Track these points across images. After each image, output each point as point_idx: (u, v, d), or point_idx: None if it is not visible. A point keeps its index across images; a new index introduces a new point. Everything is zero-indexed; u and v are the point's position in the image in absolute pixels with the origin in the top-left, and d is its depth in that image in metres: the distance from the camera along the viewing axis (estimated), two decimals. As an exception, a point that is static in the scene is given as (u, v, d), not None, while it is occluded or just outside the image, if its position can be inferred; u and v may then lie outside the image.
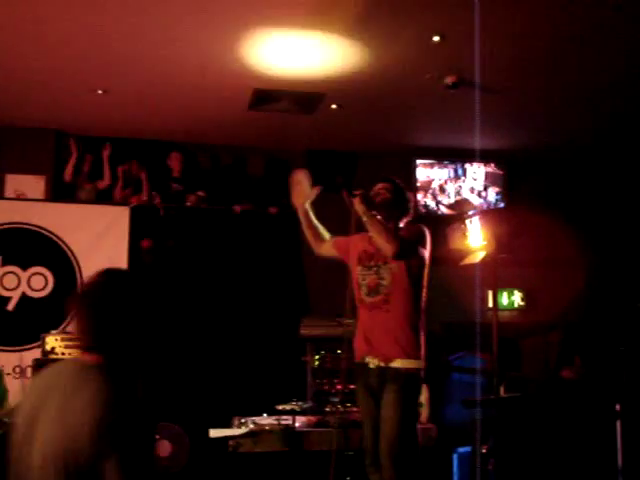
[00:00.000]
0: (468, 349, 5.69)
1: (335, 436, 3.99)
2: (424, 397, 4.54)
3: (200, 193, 6.71)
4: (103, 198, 6.69)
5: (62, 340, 4.78)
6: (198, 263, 6.40)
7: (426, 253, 3.69)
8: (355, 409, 4.35)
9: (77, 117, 6.48)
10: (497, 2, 4.53)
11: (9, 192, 6.43)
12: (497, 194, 7.55)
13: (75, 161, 6.70)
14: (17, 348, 5.94)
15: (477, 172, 7.54)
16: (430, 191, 7.45)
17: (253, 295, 6.31)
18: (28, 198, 6.42)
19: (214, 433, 4.37)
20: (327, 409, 4.73)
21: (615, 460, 4.24)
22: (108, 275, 1.97)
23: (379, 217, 3.60)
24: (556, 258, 7.00)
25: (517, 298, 7.46)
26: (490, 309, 5.47)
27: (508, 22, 4.81)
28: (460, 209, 7.15)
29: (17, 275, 6.10)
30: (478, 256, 5.14)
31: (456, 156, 7.43)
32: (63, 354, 4.73)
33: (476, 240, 5.23)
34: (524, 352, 6.69)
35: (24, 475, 1.79)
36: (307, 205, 3.85)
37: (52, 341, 4.76)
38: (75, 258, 6.22)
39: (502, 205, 7.51)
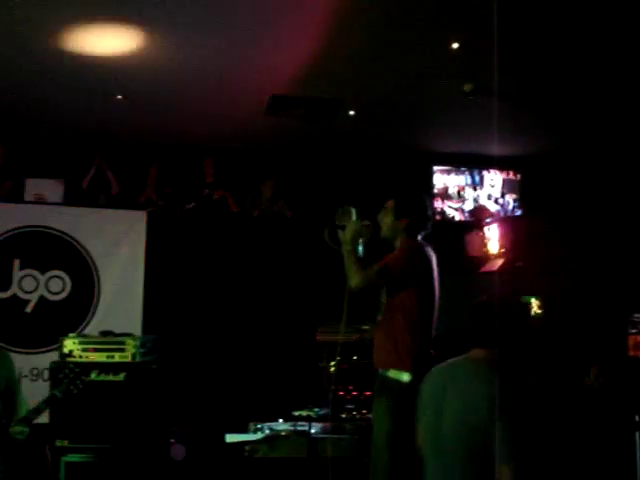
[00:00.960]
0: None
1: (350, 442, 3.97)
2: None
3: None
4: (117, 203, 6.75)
5: (80, 343, 4.79)
6: (214, 267, 6.42)
7: (414, 272, 3.57)
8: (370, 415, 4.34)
9: (98, 121, 6.52)
10: (515, 9, 4.51)
11: (29, 196, 6.48)
12: (514, 201, 7.52)
13: (94, 172, 6.77)
14: (35, 350, 5.99)
15: (494, 179, 7.52)
16: (446, 198, 7.43)
17: (270, 300, 6.32)
18: (47, 202, 6.48)
19: (230, 438, 4.38)
20: (343, 415, 4.73)
21: (634, 470, 4.21)
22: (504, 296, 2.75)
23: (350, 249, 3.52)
24: (574, 266, 6.95)
25: (534, 306, 7.41)
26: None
27: (526, 29, 4.80)
28: (478, 216, 7.13)
29: (36, 278, 6.16)
30: (496, 263, 5.12)
31: (473, 163, 7.41)
32: (81, 357, 4.75)
33: (494, 247, 5.21)
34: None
35: (437, 441, 2.44)
36: (359, 242, 3.61)
37: (70, 344, 4.78)
38: (93, 262, 6.26)
39: (519, 212, 7.48)
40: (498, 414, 2.30)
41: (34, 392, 4.65)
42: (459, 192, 7.46)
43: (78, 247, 6.25)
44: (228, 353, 5.97)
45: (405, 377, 3.41)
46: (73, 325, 5.97)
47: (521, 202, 7.50)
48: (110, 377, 4.65)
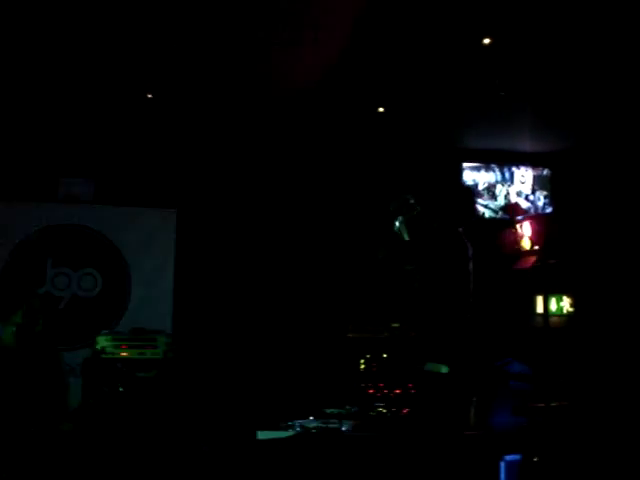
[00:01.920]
0: (515, 355, 5.61)
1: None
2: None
3: None
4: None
5: (113, 340, 4.85)
6: (245, 264, 6.45)
7: None
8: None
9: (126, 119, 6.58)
10: (545, 4, 4.46)
11: (62, 194, 6.55)
12: (545, 197, 7.43)
13: None
14: (67, 347, 6.06)
15: (525, 175, 7.44)
16: (477, 195, 7.37)
17: (302, 297, 6.33)
18: (80, 200, 6.55)
19: (262, 435, 4.39)
20: (372, 413, 4.71)
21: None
22: None
23: None
24: (607, 263, 6.85)
25: (566, 304, 7.32)
26: (539, 315, 5.38)
27: (557, 25, 4.74)
28: (509, 213, 7.06)
29: (68, 276, 6.23)
30: (529, 261, 5.08)
31: (503, 159, 7.34)
32: (113, 354, 4.80)
33: (527, 244, 5.17)
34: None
35: None
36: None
37: (103, 341, 4.84)
38: (124, 259, 6.32)
39: (550, 209, 7.39)
40: None
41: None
42: (489, 189, 7.40)
43: (109, 245, 6.31)
44: (260, 351, 5.99)
45: None
46: (105, 322, 6.03)
47: (552, 199, 7.41)
48: (141, 374, 4.70)
